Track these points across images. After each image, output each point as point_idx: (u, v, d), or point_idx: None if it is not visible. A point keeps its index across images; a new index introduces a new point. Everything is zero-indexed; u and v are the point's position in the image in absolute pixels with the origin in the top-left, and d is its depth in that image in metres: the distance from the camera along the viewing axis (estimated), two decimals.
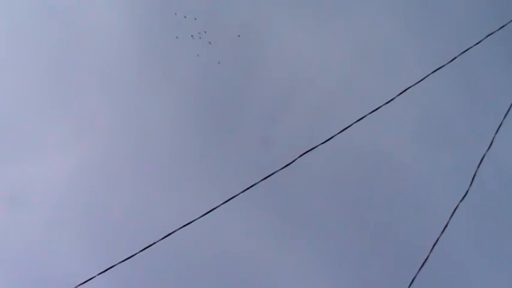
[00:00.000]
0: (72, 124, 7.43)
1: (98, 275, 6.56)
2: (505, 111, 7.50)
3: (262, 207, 7.32)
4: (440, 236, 7.33)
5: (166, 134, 7.62)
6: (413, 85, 7.54)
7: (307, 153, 7.18)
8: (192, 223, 6.73)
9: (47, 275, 7.03)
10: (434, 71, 7.63)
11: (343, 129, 7.30)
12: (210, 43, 7.81)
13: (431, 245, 7.30)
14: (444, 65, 7.70)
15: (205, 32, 7.82)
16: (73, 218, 7.20)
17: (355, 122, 7.35)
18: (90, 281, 6.53)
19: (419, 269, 7.29)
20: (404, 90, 7.51)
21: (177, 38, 7.78)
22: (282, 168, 7.11)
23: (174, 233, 6.70)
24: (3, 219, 7.10)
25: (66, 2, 7.43)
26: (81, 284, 6.61)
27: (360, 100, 7.72)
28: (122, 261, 6.67)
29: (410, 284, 7.18)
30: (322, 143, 7.23)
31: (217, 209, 6.82)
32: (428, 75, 7.59)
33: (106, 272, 6.69)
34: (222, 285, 7.10)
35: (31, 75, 7.34)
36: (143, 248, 6.55)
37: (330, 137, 7.27)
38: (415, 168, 7.89)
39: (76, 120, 7.44)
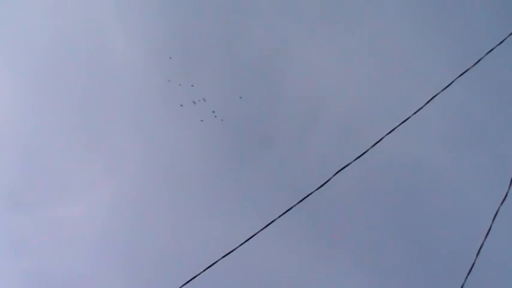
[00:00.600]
0: (105, 161, 7.51)
1: None
2: None
3: (301, 228, 7.25)
4: (484, 240, 7.18)
5: (198, 165, 7.63)
6: (441, 91, 7.45)
7: (342, 170, 7.11)
8: (234, 251, 6.68)
9: None
10: (461, 74, 7.54)
11: (375, 144, 7.24)
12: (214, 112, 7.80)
13: (476, 250, 7.15)
14: (470, 68, 7.61)
15: (204, 99, 7.80)
16: (113, 251, 7.24)
17: (386, 135, 7.27)
18: None
19: (467, 276, 7.13)
20: (433, 98, 7.42)
21: (181, 106, 7.81)
22: (318, 188, 7.05)
23: (217, 262, 6.65)
24: (49, 258, 7.17)
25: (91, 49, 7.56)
26: None
27: (389, 112, 7.65)
28: None
29: None
30: (356, 159, 7.17)
31: (257, 234, 6.76)
32: (455, 80, 7.50)
33: None
34: None
35: (63, 118, 7.45)
36: (187, 280, 6.50)
37: (363, 152, 7.20)
38: (452, 175, 7.77)
39: (108, 158, 7.52)
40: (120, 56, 7.85)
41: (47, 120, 7.58)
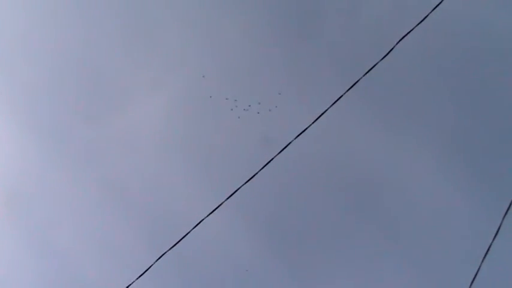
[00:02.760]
0: (159, 64, 7.38)
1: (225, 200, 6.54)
2: None
3: (366, 102, 7.06)
4: None
5: (256, 57, 7.39)
6: None
7: (404, 38, 6.82)
8: (306, 131, 6.57)
9: (167, 208, 7.19)
10: None
11: (436, 7, 6.87)
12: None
13: None
14: None
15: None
16: (180, 149, 7.27)
17: None
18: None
19: None
20: None
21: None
22: (382, 59, 6.81)
23: (290, 144, 6.56)
24: (119, 163, 7.30)
25: None
26: (209, 214, 6.63)
27: None
28: (247, 181, 6.60)
29: None
30: (417, 25, 6.84)
31: (325, 113, 6.62)
32: None
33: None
34: (345, 182, 6.99)
35: (117, 20, 7.29)
36: (264, 164, 6.44)
37: (424, 17, 6.85)
38: None
39: (163, 60, 7.39)
40: None
41: (101, 25, 7.41)
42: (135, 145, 7.45)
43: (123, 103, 7.50)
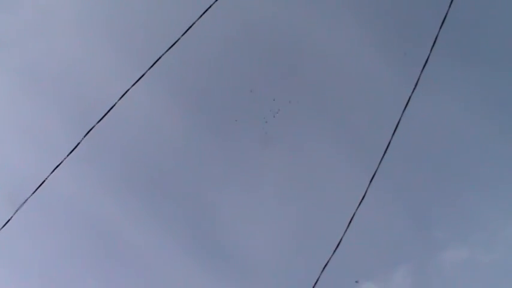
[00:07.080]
0: None
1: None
2: None
3: None
4: None
5: None
6: None
7: None
8: None
9: (89, 85, 6.98)
10: None
11: None
12: None
13: None
14: None
15: None
16: (98, 24, 6.93)
17: None
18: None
19: None
20: None
21: None
22: None
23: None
24: (34, 46, 6.93)
25: None
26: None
27: None
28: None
29: None
30: None
31: None
32: None
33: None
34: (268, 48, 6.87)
35: None
36: (185, 30, 6.27)
37: None
38: None
39: None
40: None
41: None
42: (51, 27, 7.07)
43: None
